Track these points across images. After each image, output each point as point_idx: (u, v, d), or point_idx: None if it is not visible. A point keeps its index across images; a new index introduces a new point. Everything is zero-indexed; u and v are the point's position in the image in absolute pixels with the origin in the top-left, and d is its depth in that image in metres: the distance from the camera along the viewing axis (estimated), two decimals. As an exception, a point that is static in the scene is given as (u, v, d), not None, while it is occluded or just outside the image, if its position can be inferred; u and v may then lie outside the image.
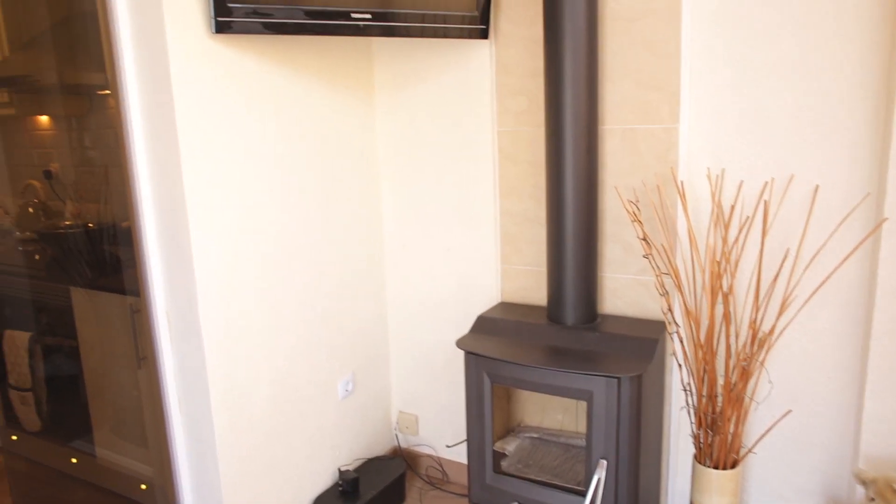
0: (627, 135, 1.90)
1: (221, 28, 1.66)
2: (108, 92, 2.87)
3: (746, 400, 1.83)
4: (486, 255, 2.20)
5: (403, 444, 2.57)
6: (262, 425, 1.95)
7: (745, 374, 1.71)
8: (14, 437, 2.99)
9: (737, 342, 1.82)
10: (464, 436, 2.42)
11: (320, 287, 2.12)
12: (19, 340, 2.52)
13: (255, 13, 1.68)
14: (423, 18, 1.88)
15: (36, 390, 2.54)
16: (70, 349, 2.55)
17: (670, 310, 1.89)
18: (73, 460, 2.68)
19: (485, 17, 1.97)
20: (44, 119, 3.24)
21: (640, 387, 1.68)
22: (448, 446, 2.46)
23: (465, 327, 2.31)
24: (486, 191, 2.16)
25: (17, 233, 3.11)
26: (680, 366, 1.91)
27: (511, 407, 2.21)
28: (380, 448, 2.50)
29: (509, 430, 2.19)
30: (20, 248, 3.04)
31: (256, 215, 1.87)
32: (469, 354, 1.88)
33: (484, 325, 2.00)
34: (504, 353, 1.83)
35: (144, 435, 2.30)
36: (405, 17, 1.86)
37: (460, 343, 1.91)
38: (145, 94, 1.69)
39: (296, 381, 2.06)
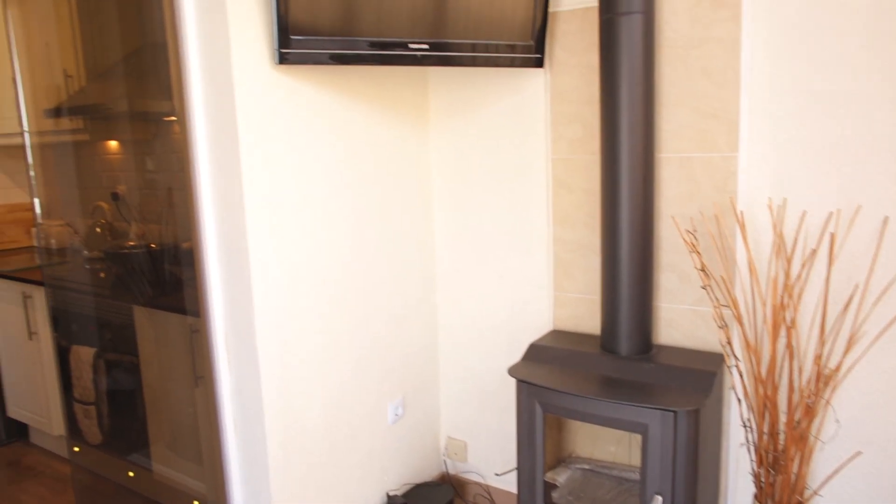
0: (684, 163, 1.87)
1: (284, 59, 1.72)
2: (173, 118, 2.99)
3: (811, 439, 1.76)
4: (538, 282, 2.19)
5: (451, 471, 2.56)
6: (315, 448, 1.97)
7: (810, 412, 1.64)
8: (76, 449, 3.09)
9: (800, 378, 1.76)
10: (513, 464, 2.39)
11: (373, 310, 2.15)
12: (85, 355, 2.62)
13: (317, 45, 1.74)
14: (478, 48, 1.91)
15: (98, 404, 2.63)
16: (131, 365, 2.64)
17: (729, 342, 1.84)
18: (131, 474, 2.75)
19: (540, 46, 1.98)
20: (113, 144, 3.39)
21: (698, 421, 1.63)
22: (497, 474, 2.43)
23: (516, 354, 2.30)
24: (539, 217, 2.15)
25: (86, 252, 3.26)
26: (739, 401, 1.85)
27: (562, 437, 2.18)
28: (428, 474, 2.49)
29: (560, 460, 2.15)
30: (87, 267, 3.17)
31: (313, 239, 1.91)
32: (521, 383, 1.86)
33: (536, 352, 1.99)
34: (557, 382, 1.80)
35: (199, 452, 2.35)
36: (461, 48, 1.89)
37: (512, 371, 1.89)
38: (211, 121, 1.76)
39: (348, 404, 2.08)
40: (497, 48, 1.93)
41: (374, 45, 1.80)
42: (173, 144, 3.07)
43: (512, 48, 1.95)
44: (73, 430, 2.93)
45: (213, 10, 1.68)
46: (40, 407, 3.10)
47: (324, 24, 1.74)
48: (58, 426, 3.05)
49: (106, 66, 3.00)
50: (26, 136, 3.28)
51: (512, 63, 1.97)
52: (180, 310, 2.27)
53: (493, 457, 2.43)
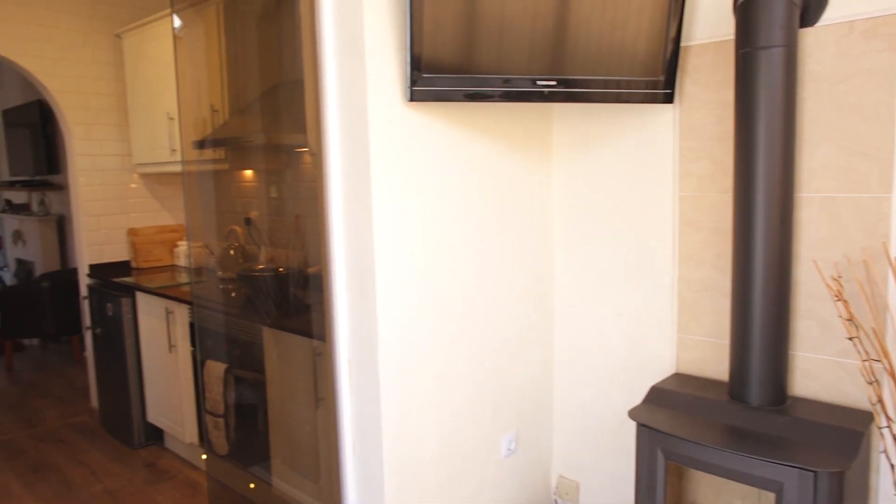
0: (827, 203, 1.76)
1: (415, 96, 1.79)
2: (304, 150, 3.17)
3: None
4: (660, 323, 2.12)
5: (561, 511, 2.49)
6: (428, 477, 1.99)
7: (976, 484, 1.47)
8: (204, 457, 3.29)
9: (963, 444, 1.58)
10: (627, 510, 2.30)
11: (490, 342, 2.15)
12: (216, 370, 2.80)
13: (446, 83, 1.79)
14: (606, 84, 1.89)
15: (226, 417, 2.80)
16: (257, 382, 2.79)
17: (880, 401, 1.68)
18: (252, 485, 2.89)
19: (670, 81, 1.94)
20: (248, 173, 3.64)
21: (842, 485, 1.50)
22: (609, 519, 2.34)
23: (635, 395, 2.22)
24: (664, 256, 2.09)
25: (220, 272, 3.50)
26: (893, 467, 1.68)
27: (683, 485, 2.07)
28: (537, 512, 2.44)
29: (680, 511, 2.05)
30: (220, 286, 3.40)
31: (435, 270, 1.95)
32: (642, 427, 1.79)
33: (658, 396, 1.91)
34: (681, 429, 1.72)
35: (317, 471, 2.43)
36: (588, 84, 1.88)
37: (633, 414, 1.83)
38: (345, 154, 1.85)
39: (462, 435, 2.08)
40: (625, 84, 1.90)
41: (503, 83, 1.83)
42: (303, 174, 3.25)
43: (638, 84, 1.92)
44: (203, 439, 3.13)
45: (351, 50, 1.77)
46: (175, 415, 3.34)
47: (452, 63, 1.79)
48: (190, 434, 3.27)
49: (246, 102, 3.25)
50: (181, 165, 3.58)
51: (640, 98, 1.94)
52: (305, 332, 2.38)
53: (606, 500, 2.35)
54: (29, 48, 3.68)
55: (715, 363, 2.01)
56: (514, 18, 1.81)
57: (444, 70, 1.79)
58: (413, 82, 1.76)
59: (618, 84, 1.90)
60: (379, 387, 1.84)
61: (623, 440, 2.27)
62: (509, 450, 2.27)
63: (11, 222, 6.88)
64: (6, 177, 7.02)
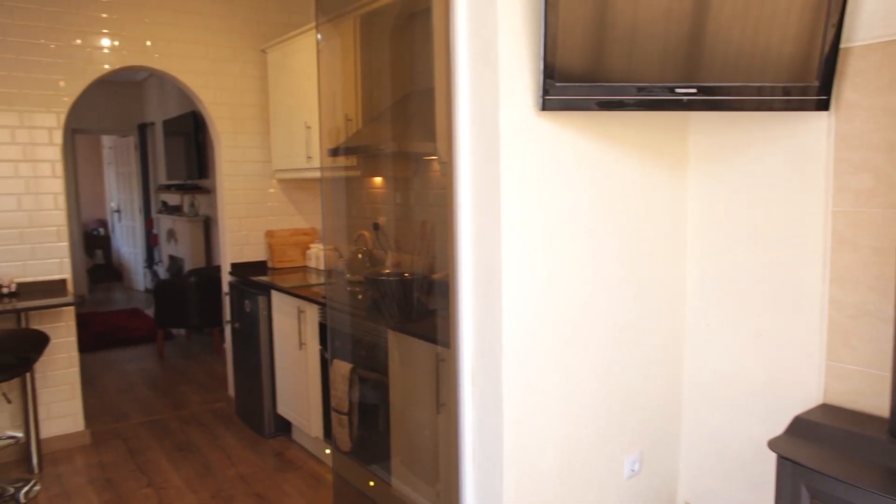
0: None
1: (548, 105, 1.77)
2: (432, 157, 3.24)
3: None
4: (805, 348, 1.95)
5: (687, 541, 2.36)
6: (547, 491, 1.95)
7: None
8: (327, 451, 3.43)
9: None
10: (761, 548, 2.14)
11: (614, 357, 2.08)
12: (343, 370, 2.91)
13: (580, 91, 1.76)
14: (750, 91, 1.78)
15: (350, 415, 2.90)
16: (380, 383, 2.87)
17: None
18: (371, 483, 2.97)
19: (825, 86, 1.79)
20: (377, 180, 3.77)
21: None
22: (741, 555, 2.19)
23: (772, 424, 2.06)
24: (812, 276, 1.93)
25: (348, 275, 3.64)
26: None
27: (828, 528, 1.89)
28: (660, 539, 2.33)
29: (824, 555, 1.87)
30: (348, 289, 3.54)
31: (561, 282, 1.92)
32: (784, 460, 1.66)
33: (803, 427, 1.76)
34: (831, 467, 1.58)
35: (436, 475, 2.46)
36: (731, 91, 1.78)
37: (774, 445, 1.70)
38: (475, 162, 1.86)
39: (583, 452, 2.03)
40: (768, 90, 1.78)
41: (637, 91, 1.77)
42: (431, 181, 3.32)
43: (787, 90, 1.79)
44: (328, 434, 3.27)
45: (484, 60, 1.79)
46: (303, 409, 3.51)
47: (584, 71, 1.76)
48: (315, 429, 3.42)
49: (379, 111, 3.36)
50: (317, 172, 3.78)
51: (788, 106, 1.81)
52: (429, 338, 2.42)
53: (737, 534, 2.20)
54: (187, 65, 4.03)
55: (872, 396, 1.82)
56: (647, 24, 1.74)
57: (576, 78, 1.75)
58: (546, 91, 1.75)
59: (762, 90, 1.78)
60: (501, 396, 1.83)
61: (757, 471, 2.12)
62: (632, 471, 2.18)
63: (166, 222, 7.56)
64: (163, 180, 7.73)
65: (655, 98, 1.78)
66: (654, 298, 2.18)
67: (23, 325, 3.49)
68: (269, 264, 4.33)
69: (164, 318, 5.66)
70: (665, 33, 1.75)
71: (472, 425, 1.96)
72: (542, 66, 1.73)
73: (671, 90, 1.77)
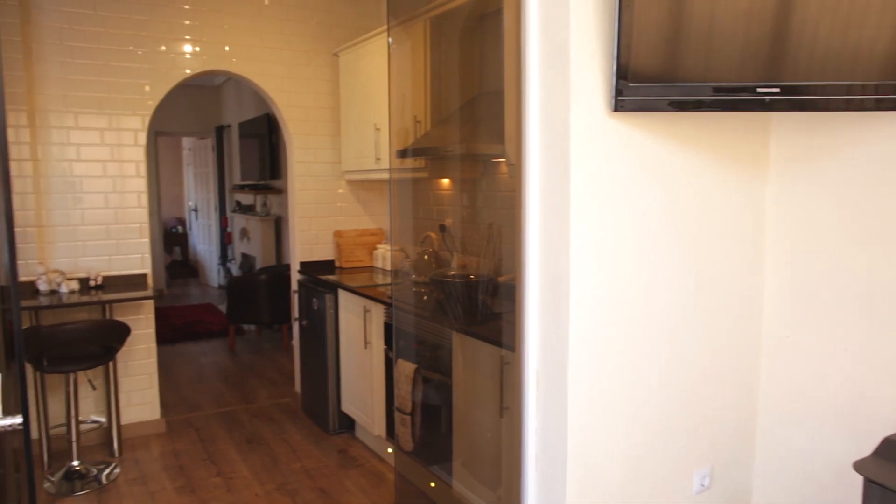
0: None
1: (620, 106, 1.73)
2: (500, 159, 3.22)
3: None
4: (896, 364, 1.83)
5: (760, 562, 2.25)
6: (612, 500, 1.90)
7: None
8: (389, 450, 3.46)
9: None
10: (842, 574, 2.02)
11: (684, 368, 2.01)
12: (406, 370, 2.93)
13: (654, 91, 1.71)
14: (840, 90, 1.69)
15: (413, 415, 2.91)
16: (443, 384, 2.87)
17: None
18: (432, 484, 2.98)
19: (924, 85, 1.67)
20: (444, 181, 3.78)
21: None
22: (819, 581, 2.07)
23: (859, 444, 1.94)
24: (905, 287, 1.80)
25: (413, 276, 3.66)
26: None
27: (918, 558, 1.77)
28: (731, 558, 2.23)
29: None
30: (413, 289, 3.56)
31: (629, 287, 1.87)
32: (872, 484, 1.56)
33: (893, 451, 1.65)
34: (923, 492, 1.47)
35: (497, 479, 2.44)
36: (818, 90, 1.69)
37: (861, 467, 1.60)
38: (544, 164, 1.83)
39: (650, 463, 1.97)
40: (859, 89, 1.68)
41: (716, 91, 1.71)
42: (498, 184, 3.31)
43: (884, 88, 1.68)
44: (390, 433, 3.29)
45: (555, 61, 1.76)
46: (367, 407, 3.55)
47: (657, 71, 1.71)
48: (378, 427, 3.46)
49: (447, 113, 3.37)
50: (386, 173, 3.83)
51: (881, 105, 1.70)
52: (494, 340, 2.41)
53: (815, 559, 2.08)
54: (263, 68, 4.16)
55: (970, 418, 1.69)
56: (726, 22, 1.68)
57: (649, 78, 1.71)
58: (618, 91, 1.71)
59: (852, 90, 1.68)
60: (566, 403, 1.79)
61: (839, 494, 2.00)
62: (702, 486, 2.10)
63: (240, 221, 7.83)
64: (238, 181, 8.01)
65: (735, 98, 1.71)
66: (728, 308, 2.09)
67: (107, 316, 3.68)
68: (337, 264, 4.41)
69: (236, 314, 5.85)
70: (745, 31, 1.68)
71: (536, 430, 1.93)
72: (614, 67, 1.70)
73: (752, 90, 1.69)
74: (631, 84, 1.70)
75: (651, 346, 1.93)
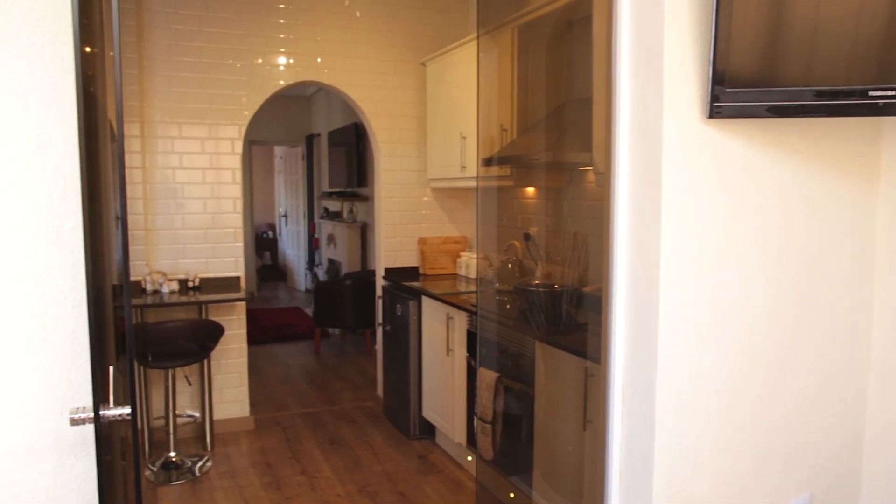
0: None
1: (716, 112, 1.66)
2: (587, 168, 3.17)
3: None
4: None
5: None
6: (701, 524, 1.82)
7: None
8: (469, 458, 3.46)
9: None
10: None
11: (782, 387, 1.90)
12: (488, 378, 2.93)
13: (752, 97, 1.64)
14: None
15: (494, 424, 2.90)
16: (524, 394, 2.85)
17: None
18: (511, 495, 2.95)
19: None
20: (530, 190, 3.76)
21: None
22: None
23: (981, 479, 1.78)
24: None
25: (497, 284, 3.66)
26: None
27: None
28: None
29: None
30: (496, 298, 3.56)
31: (724, 301, 1.79)
32: None
33: None
34: None
35: (579, 493, 2.39)
36: (939, 92, 1.57)
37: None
38: (634, 173, 1.79)
39: (743, 484, 1.87)
40: None
41: (820, 95, 1.62)
42: (584, 192, 3.26)
43: None
44: (471, 441, 3.29)
45: (647, 67, 1.72)
46: (447, 414, 3.57)
47: (754, 76, 1.64)
48: (459, 434, 3.47)
49: (533, 121, 3.36)
50: (472, 181, 3.85)
51: None
52: (578, 352, 2.37)
53: None
54: (352, 78, 4.28)
55: None
56: (831, 22, 1.59)
57: (746, 83, 1.64)
58: (714, 97, 1.64)
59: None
60: (654, 419, 1.74)
61: (960, 531, 1.83)
62: (801, 514, 1.98)
63: (327, 227, 8.08)
64: (326, 188, 8.27)
65: (842, 102, 1.61)
66: (831, 326, 1.97)
67: (203, 316, 3.88)
68: (421, 270, 4.46)
69: (322, 318, 6.02)
70: (855, 31, 1.59)
71: (621, 445, 1.88)
72: (710, 72, 1.64)
73: (863, 93, 1.59)
74: (728, 90, 1.64)
75: (746, 363, 1.84)
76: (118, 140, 1.19)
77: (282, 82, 4.13)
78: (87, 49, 1.36)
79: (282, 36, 4.10)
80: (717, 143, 1.74)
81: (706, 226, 1.74)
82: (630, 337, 1.82)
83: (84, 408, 1.29)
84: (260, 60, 4.06)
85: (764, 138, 1.80)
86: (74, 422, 1.26)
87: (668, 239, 1.70)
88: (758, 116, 1.65)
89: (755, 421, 1.87)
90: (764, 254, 1.83)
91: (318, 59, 4.19)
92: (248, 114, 4.08)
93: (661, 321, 1.71)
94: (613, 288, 1.86)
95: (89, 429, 1.41)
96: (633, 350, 1.81)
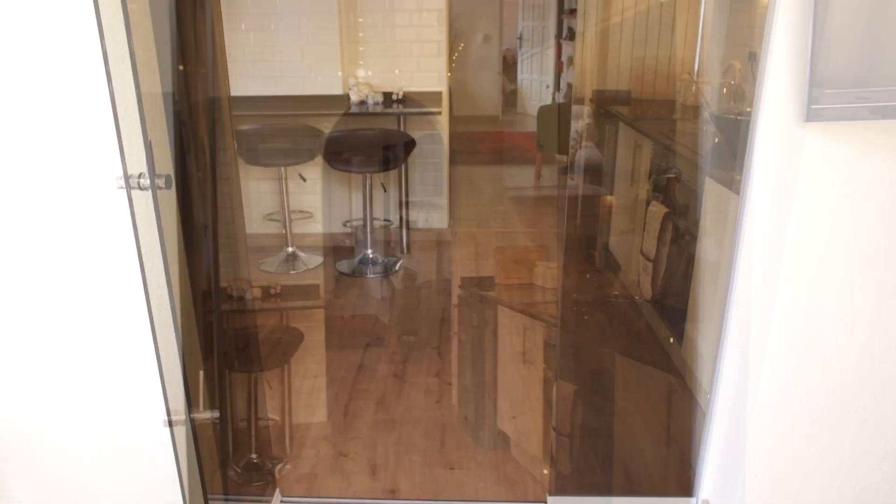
0: None
1: (815, 115, 1.57)
2: (672, 176, 3.07)
3: None
4: None
5: None
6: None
7: None
8: (545, 472, 3.39)
9: None
10: None
11: (882, 432, 1.75)
12: (567, 391, 2.86)
13: (856, 98, 1.54)
14: None
15: (572, 438, 2.84)
16: (603, 408, 2.77)
17: None
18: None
19: None
20: (608, 198, 3.68)
21: None
22: None
23: None
24: None
25: (574, 294, 3.59)
26: None
27: None
28: None
29: None
30: (573, 309, 3.48)
31: (826, 322, 1.66)
32: None
33: None
34: None
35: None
36: None
37: None
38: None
39: (844, 516, 1.75)
40: None
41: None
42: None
43: None
44: (547, 454, 3.22)
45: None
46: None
47: (854, 76, 1.54)
48: (535, 447, 3.40)
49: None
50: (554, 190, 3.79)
51: None
52: (661, 367, 2.28)
53: None
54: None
55: None
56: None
57: (846, 84, 1.54)
58: (813, 100, 1.55)
59: None
60: (745, 440, 1.65)
61: None
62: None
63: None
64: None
65: (962, 102, 1.49)
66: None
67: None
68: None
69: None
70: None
71: (710, 467, 1.79)
72: (808, 73, 1.55)
73: None
74: (827, 91, 1.54)
75: (851, 395, 1.70)
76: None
77: None
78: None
79: None
80: (816, 147, 1.63)
81: (803, 237, 1.63)
82: (721, 355, 1.74)
83: (177, 410, 1.35)
84: None
85: (869, 141, 1.68)
86: (167, 423, 1.32)
87: (758, 253, 1.61)
88: (861, 118, 1.55)
89: (868, 462, 1.73)
90: (872, 270, 1.68)
91: None
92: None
93: (751, 340, 1.62)
94: (700, 304, 1.78)
95: (181, 430, 1.47)
96: (724, 369, 1.72)
